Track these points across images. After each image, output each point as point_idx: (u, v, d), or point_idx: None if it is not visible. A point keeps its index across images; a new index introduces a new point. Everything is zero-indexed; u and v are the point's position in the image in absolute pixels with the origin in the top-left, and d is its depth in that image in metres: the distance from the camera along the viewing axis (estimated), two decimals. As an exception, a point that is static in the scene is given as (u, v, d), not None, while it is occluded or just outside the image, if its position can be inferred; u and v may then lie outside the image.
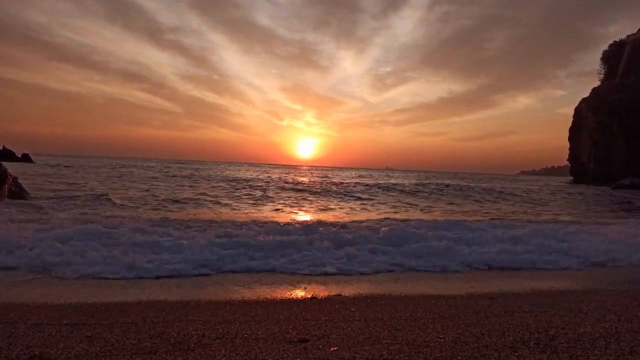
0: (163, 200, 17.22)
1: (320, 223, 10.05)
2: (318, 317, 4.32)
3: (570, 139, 75.38)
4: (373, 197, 24.44)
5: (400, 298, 5.40)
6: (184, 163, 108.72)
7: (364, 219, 13.41)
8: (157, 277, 6.16)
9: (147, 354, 3.20)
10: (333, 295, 5.42)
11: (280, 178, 42.46)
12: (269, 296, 5.38)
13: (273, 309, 4.69)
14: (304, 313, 4.48)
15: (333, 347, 3.42)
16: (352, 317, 4.34)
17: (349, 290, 5.77)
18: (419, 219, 12.72)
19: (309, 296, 5.34)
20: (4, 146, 55.18)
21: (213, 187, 26.39)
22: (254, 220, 11.23)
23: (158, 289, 5.59)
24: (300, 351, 3.31)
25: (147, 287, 5.66)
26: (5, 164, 14.47)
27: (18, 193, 13.93)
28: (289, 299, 5.34)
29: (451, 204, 22.57)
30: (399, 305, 4.94)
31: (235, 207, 16.68)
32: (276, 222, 11.15)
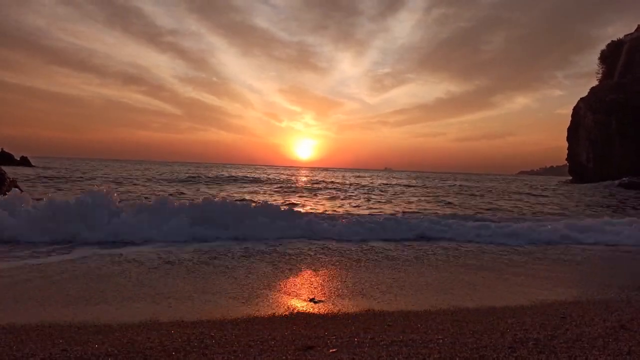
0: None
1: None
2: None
3: (568, 138, 75.38)
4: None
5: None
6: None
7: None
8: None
9: None
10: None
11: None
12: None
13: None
14: (303, 315, 4.45)
15: (332, 349, 3.42)
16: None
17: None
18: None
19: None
20: (2, 149, 55.07)
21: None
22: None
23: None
24: (300, 354, 3.31)
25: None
26: (3, 167, 14.43)
27: (17, 196, 13.89)
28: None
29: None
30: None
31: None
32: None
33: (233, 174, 45.71)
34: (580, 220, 13.25)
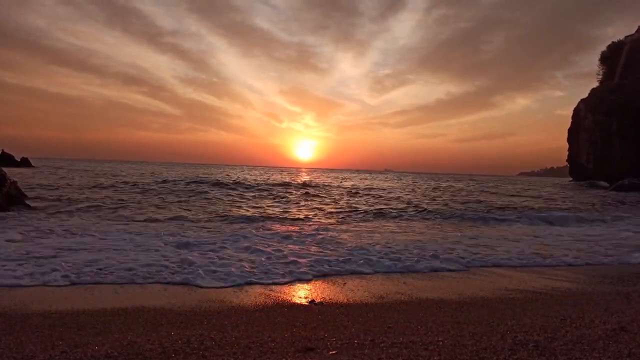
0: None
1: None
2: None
3: (569, 139, 75.34)
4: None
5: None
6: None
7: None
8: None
9: None
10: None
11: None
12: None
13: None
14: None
15: (332, 350, 3.42)
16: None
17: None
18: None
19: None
20: (2, 150, 55.07)
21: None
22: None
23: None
24: (300, 355, 3.31)
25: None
26: (4, 168, 14.46)
27: (17, 197, 13.92)
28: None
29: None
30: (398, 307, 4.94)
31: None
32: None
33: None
34: None
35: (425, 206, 19.90)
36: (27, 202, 14.33)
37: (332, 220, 14.71)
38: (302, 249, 8.73)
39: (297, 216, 15.48)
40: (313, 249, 8.80)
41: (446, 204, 21.09)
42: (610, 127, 63.88)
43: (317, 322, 4.29)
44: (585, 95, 74.33)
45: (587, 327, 4.09)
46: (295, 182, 36.35)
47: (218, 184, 28.30)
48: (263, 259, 7.51)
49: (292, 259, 7.53)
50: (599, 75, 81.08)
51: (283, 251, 8.22)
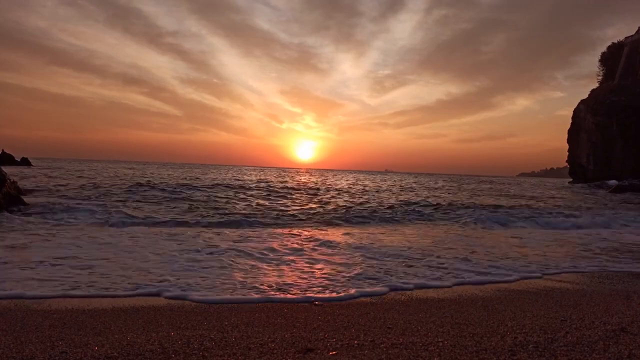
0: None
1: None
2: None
3: (569, 140, 75.39)
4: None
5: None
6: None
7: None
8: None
9: None
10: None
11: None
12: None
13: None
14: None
15: (332, 351, 3.42)
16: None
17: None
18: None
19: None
20: (2, 150, 55.14)
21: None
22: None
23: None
24: (300, 356, 3.31)
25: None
26: (4, 167, 14.48)
27: (16, 197, 13.93)
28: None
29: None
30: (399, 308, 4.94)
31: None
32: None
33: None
34: None
35: (423, 207, 19.92)
36: (27, 202, 14.33)
37: (332, 221, 14.71)
38: (304, 255, 8.62)
39: (299, 217, 15.47)
40: (316, 254, 8.73)
41: (444, 206, 21.09)
42: (610, 128, 63.93)
43: (317, 323, 4.29)
44: (585, 96, 74.43)
45: (587, 328, 4.09)
46: (295, 183, 36.43)
47: (219, 185, 28.37)
48: (263, 265, 7.39)
49: (293, 266, 7.44)
50: (599, 76, 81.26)
51: (288, 259, 8.01)
